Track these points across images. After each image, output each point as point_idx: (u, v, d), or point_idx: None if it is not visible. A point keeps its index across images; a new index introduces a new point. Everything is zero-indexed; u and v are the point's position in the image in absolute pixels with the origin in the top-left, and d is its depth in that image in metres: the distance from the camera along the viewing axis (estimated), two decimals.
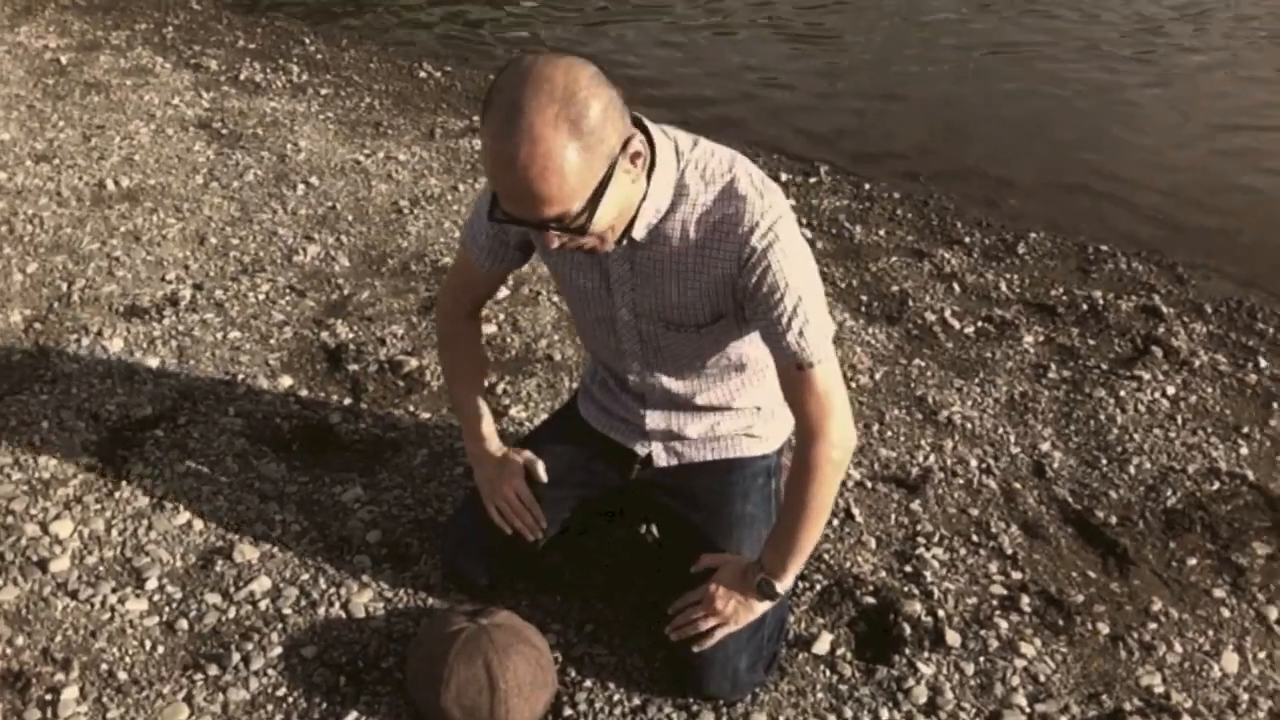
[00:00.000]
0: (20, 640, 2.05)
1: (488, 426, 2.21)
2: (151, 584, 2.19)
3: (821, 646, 2.14)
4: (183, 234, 3.62)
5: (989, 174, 4.65)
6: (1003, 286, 3.65)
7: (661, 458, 2.15)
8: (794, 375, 1.80)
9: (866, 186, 4.43)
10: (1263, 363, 3.26)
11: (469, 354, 2.24)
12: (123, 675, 1.99)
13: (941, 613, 2.24)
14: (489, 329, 3.13)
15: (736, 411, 2.11)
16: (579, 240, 1.64)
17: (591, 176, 1.54)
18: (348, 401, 2.81)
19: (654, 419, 2.12)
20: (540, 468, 2.12)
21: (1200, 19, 6.86)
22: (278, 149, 4.36)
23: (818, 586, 2.29)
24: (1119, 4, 7.07)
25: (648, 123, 1.71)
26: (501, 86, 1.51)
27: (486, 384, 2.77)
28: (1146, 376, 3.13)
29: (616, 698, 2.00)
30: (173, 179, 4.02)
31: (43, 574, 2.20)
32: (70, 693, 1.94)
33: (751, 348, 1.98)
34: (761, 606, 1.95)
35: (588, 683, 2.03)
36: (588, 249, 1.69)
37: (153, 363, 2.90)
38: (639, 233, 1.75)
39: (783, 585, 1.93)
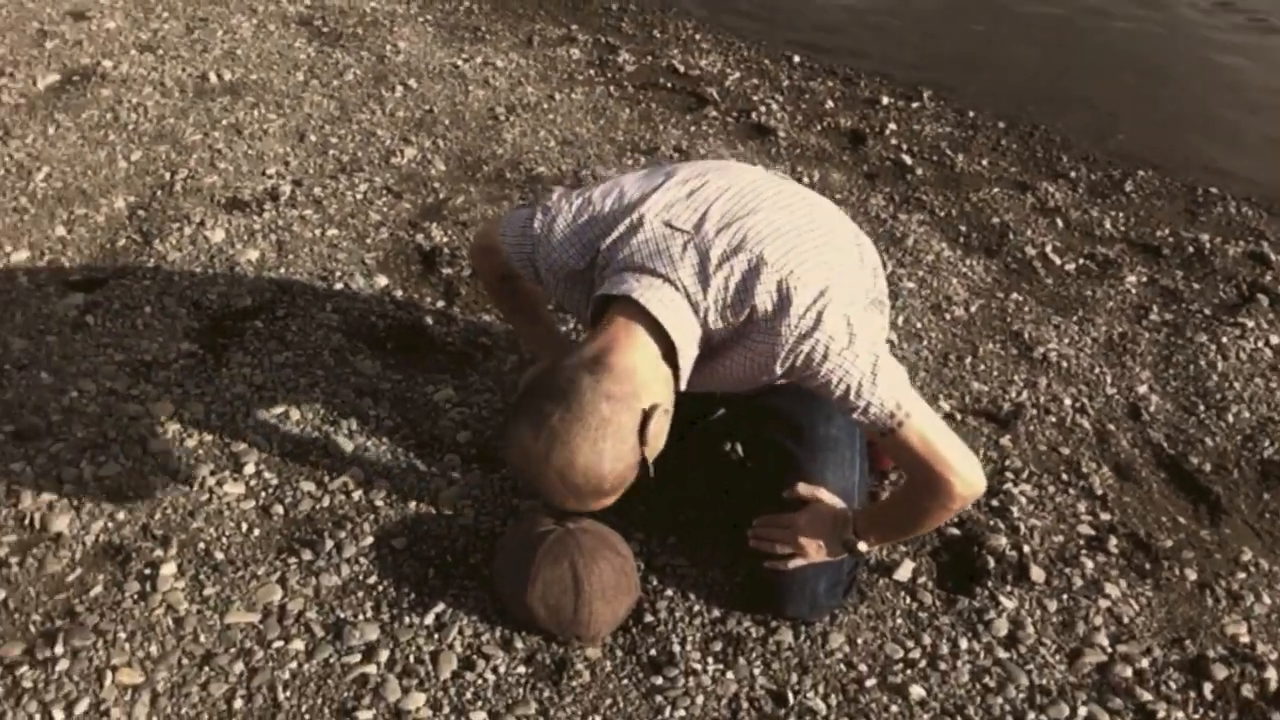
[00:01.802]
0: (121, 515, 2.12)
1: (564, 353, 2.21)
2: (249, 469, 2.25)
3: (903, 573, 2.14)
4: (283, 130, 3.65)
5: (1098, 108, 4.51)
6: (1107, 224, 3.55)
7: None
8: (884, 444, 1.75)
9: (970, 114, 4.32)
10: None
11: (523, 296, 2.20)
12: (219, 555, 2.06)
13: (1027, 548, 2.23)
14: None
15: None
16: None
17: (627, 485, 1.60)
18: (441, 304, 2.84)
19: None
20: None
21: None
22: (377, 49, 4.36)
23: None
24: None
25: (660, 300, 1.65)
26: (515, 467, 1.59)
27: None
28: (1250, 324, 3.04)
29: (696, 609, 2.03)
30: (274, 75, 4.05)
31: (143, 453, 2.27)
32: (169, 569, 2.01)
33: None
34: (839, 555, 1.95)
35: (669, 592, 2.06)
36: None
37: (252, 255, 2.95)
38: (683, 385, 1.71)
39: (865, 547, 1.94)
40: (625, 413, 1.54)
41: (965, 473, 1.73)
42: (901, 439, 1.70)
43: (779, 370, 1.71)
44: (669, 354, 1.66)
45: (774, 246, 1.70)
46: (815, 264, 1.72)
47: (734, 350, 1.75)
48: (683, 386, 1.70)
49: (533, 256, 1.89)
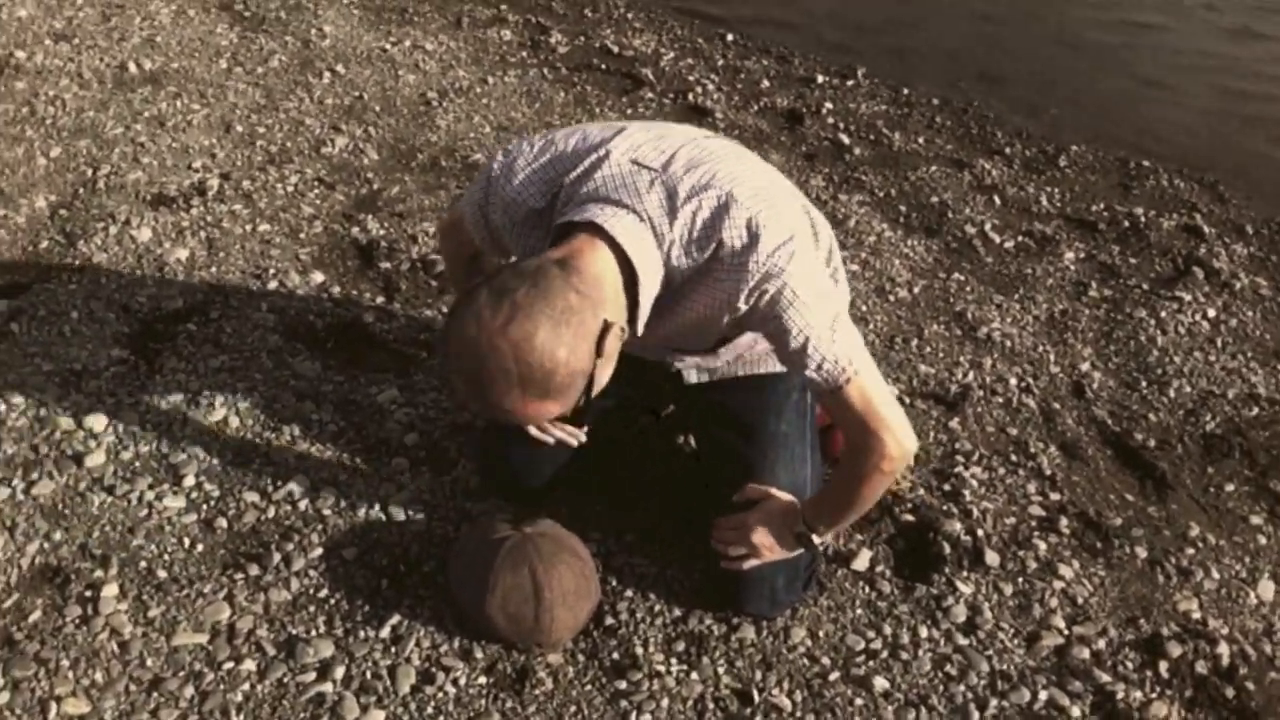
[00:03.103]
0: (58, 535, 2.04)
1: None
2: (189, 481, 2.17)
3: (860, 563, 2.13)
4: (208, 120, 3.54)
5: (1029, 82, 4.54)
6: (1043, 200, 3.58)
7: (692, 375, 2.12)
8: (825, 400, 1.74)
9: (905, 91, 4.33)
10: None
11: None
12: (162, 573, 1.99)
13: (980, 532, 2.23)
14: None
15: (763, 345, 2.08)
16: None
17: (573, 397, 1.52)
18: (381, 300, 2.77)
19: (680, 363, 2.09)
20: None
21: None
22: (302, 34, 4.25)
23: None
24: None
25: (624, 227, 1.60)
26: (457, 353, 1.47)
27: None
28: (1187, 298, 3.08)
29: (658, 609, 2.00)
30: (195, 63, 3.93)
31: (78, 468, 2.18)
32: (110, 590, 1.94)
33: None
34: (794, 550, 1.93)
35: (629, 593, 2.03)
36: None
37: (182, 254, 2.85)
38: (641, 328, 1.68)
39: (820, 539, 1.91)
40: (590, 313, 1.50)
41: (899, 431, 1.73)
42: (846, 396, 1.69)
43: (742, 307, 1.67)
44: (630, 286, 1.62)
45: (742, 188, 1.68)
46: (782, 213, 1.70)
47: (695, 290, 1.71)
48: (640, 327, 1.67)
49: (486, 207, 1.83)
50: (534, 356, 1.44)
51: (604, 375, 1.57)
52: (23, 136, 3.33)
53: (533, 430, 2.03)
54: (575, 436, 2.06)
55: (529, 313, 1.44)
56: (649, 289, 1.64)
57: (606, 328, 1.52)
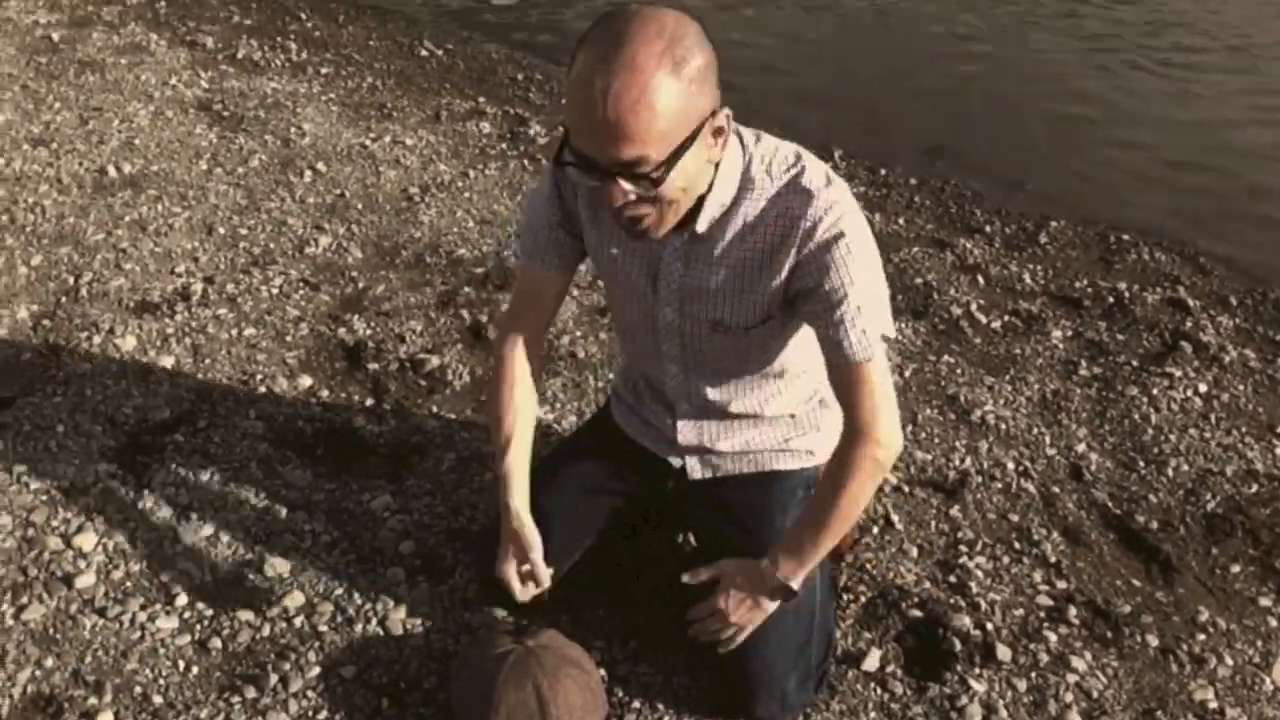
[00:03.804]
0: (50, 661, 1.98)
1: (523, 481, 1.94)
2: (181, 600, 2.12)
3: (871, 663, 2.09)
4: (189, 223, 3.53)
5: (1005, 159, 4.59)
6: (1027, 278, 3.59)
7: (696, 470, 2.09)
8: (844, 372, 1.73)
9: (882, 172, 4.36)
10: None
11: (523, 391, 1.97)
12: (158, 699, 1.93)
13: (990, 626, 2.20)
14: None
15: (770, 421, 2.05)
16: (640, 209, 1.56)
17: (681, 125, 1.49)
18: (370, 402, 2.74)
19: (685, 431, 2.06)
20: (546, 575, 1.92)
21: (1218, 10, 6.78)
22: (281, 133, 4.26)
23: (862, 599, 2.24)
24: None
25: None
26: (603, 23, 1.49)
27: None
28: (1178, 374, 3.08)
29: None
30: (175, 164, 3.92)
31: (68, 590, 2.13)
32: (105, 718, 1.88)
33: (792, 351, 1.93)
34: (773, 605, 1.87)
35: (636, 704, 1.98)
36: (643, 227, 1.60)
37: (167, 362, 2.82)
38: (702, 225, 1.70)
39: (797, 583, 1.83)
40: (716, 82, 1.54)
41: (895, 423, 1.75)
42: (865, 373, 1.71)
43: (818, 235, 1.66)
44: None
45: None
46: None
47: (768, 214, 1.70)
48: (703, 223, 1.70)
49: (560, 184, 1.85)
50: (690, 34, 1.48)
51: (692, 160, 1.54)
52: (3, 245, 3.30)
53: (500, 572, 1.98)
54: (526, 589, 1.94)
55: (693, 19, 1.51)
56: (725, 181, 1.67)
57: (718, 110, 1.56)
